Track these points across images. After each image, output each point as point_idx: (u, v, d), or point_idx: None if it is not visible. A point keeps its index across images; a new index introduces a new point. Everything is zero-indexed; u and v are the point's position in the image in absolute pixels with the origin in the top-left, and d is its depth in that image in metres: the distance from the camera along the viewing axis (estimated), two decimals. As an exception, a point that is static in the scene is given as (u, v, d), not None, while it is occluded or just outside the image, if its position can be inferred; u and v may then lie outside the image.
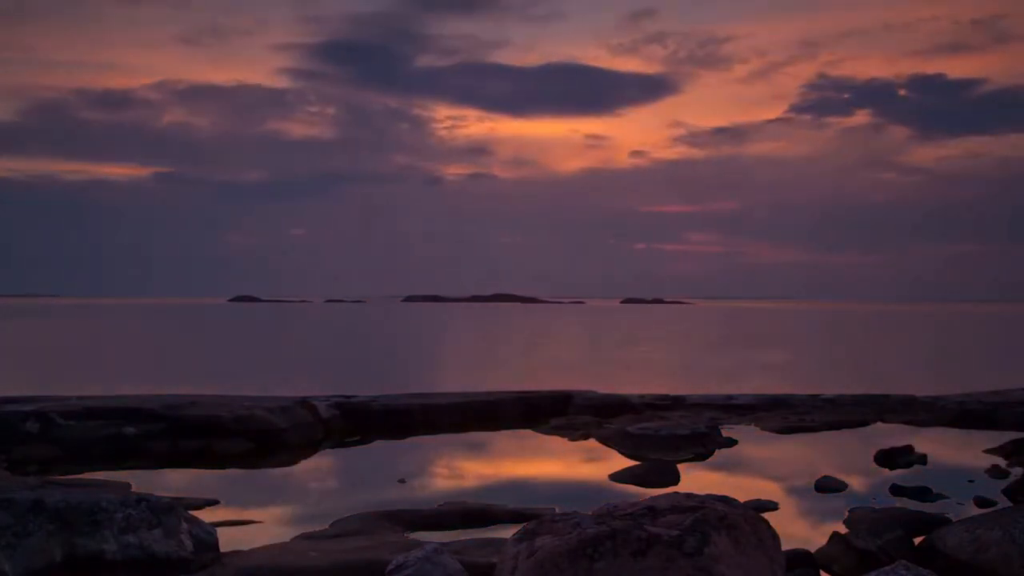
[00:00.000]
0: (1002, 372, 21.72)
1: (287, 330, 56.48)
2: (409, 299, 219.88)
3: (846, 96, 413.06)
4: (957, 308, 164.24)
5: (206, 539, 5.38)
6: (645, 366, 27.32)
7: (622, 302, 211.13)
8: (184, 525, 5.29)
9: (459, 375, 22.91)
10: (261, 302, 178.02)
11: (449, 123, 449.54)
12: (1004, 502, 7.43)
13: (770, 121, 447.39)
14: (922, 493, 7.84)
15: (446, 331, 56.50)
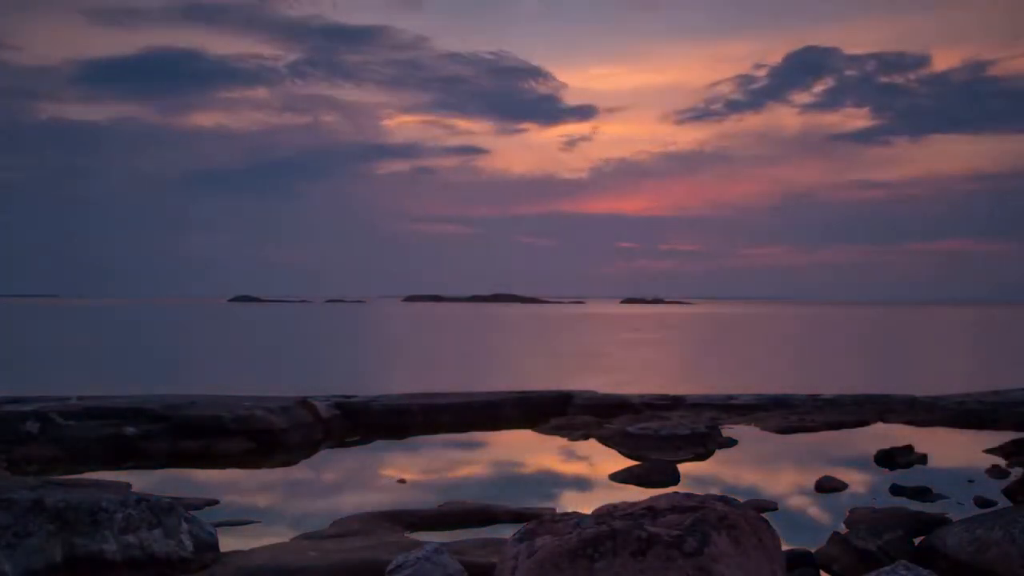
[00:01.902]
0: (1002, 371, 21.73)
1: (288, 330, 56.48)
2: (409, 299, 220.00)
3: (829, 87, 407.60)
4: (952, 309, 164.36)
5: (206, 539, 5.38)
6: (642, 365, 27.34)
7: (622, 302, 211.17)
8: (184, 525, 5.29)
9: (459, 375, 22.91)
10: (262, 302, 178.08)
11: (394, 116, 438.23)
12: (1004, 502, 7.44)
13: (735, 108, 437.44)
14: (922, 493, 7.84)
15: (446, 331, 56.51)
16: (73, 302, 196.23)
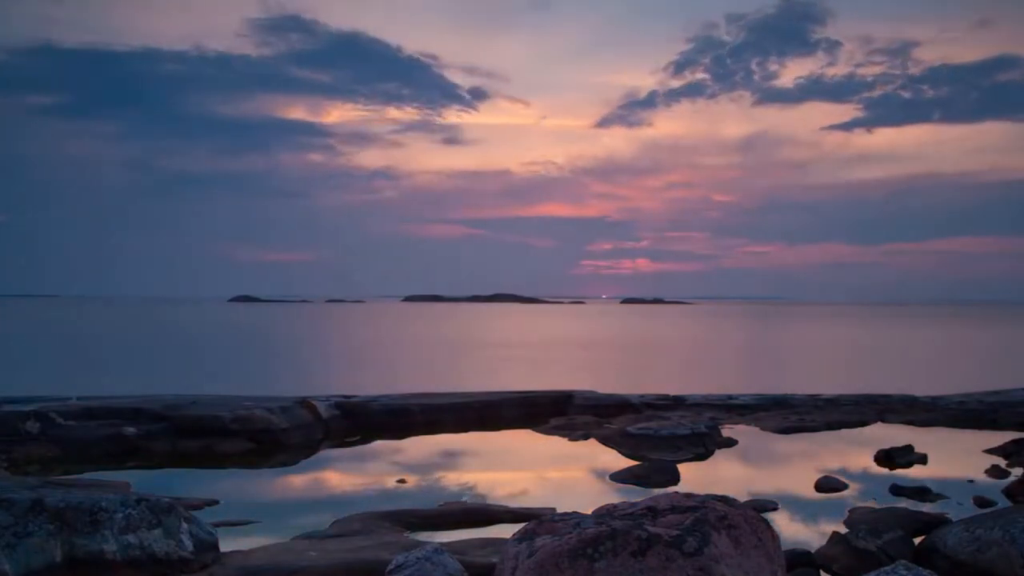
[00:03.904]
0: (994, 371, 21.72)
1: (288, 330, 56.47)
2: (409, 299, 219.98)
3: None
4: (945, 309, 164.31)
5: (206, 539, 5.38)
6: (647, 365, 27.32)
7: (622, 302, 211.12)
8: (184, 525, 5.29)
9: (459, 375, 22.91)
10: (262, 302, 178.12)
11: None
12: (1004, 502, 7.44)
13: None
14: (922, 493, 7.85)
15: (446, 331, 56.50)
16: (73, 302, 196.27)
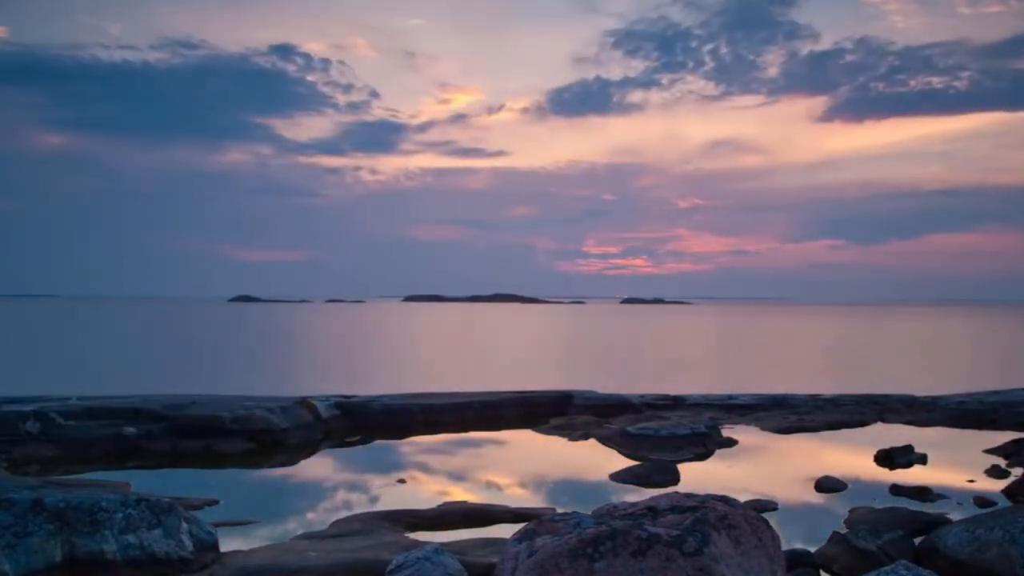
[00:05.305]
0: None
1: (287, 330, 56.48)
2: (409, 299, 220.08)
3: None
4: (938, 309, 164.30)
5: (206, 539, 5.39)
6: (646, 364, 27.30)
7: (622, 302, 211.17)
8: (184, 525, 5.29)
9: (459, 375, 22.91)
10: (261, 302, 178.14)
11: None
12: (1004, 502, 7.44)
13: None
14: (922, 493, 7.85)
15: (446, 331, 56.49)
16: (72, 302, 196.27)
